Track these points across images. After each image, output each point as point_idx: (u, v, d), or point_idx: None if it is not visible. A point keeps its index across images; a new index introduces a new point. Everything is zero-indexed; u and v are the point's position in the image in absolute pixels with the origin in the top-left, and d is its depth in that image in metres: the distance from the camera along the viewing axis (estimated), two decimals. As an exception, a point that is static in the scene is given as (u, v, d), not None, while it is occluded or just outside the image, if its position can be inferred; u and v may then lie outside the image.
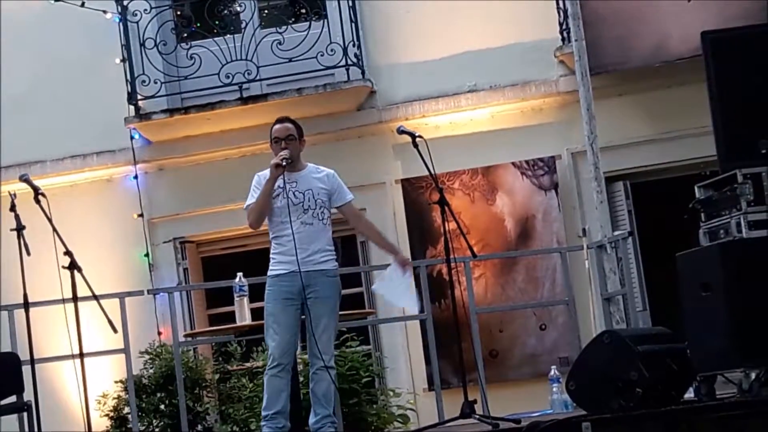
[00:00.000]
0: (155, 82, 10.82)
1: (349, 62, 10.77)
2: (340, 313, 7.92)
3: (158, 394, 9.31)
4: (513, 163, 10.75)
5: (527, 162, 10.74)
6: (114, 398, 9.44)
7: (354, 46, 10.82)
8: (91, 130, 11.19)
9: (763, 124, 7.28)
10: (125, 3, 10.91)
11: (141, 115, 10.93)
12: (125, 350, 8.44)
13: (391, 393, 9.54)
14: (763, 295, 6.87)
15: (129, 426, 9.07)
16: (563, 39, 10.64)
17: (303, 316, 7.21)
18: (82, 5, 10.78)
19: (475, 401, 7.43)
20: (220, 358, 10.05)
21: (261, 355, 9.20)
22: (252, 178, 7.33)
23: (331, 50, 10.68)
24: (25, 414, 7.94)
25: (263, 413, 7.13)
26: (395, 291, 7.59)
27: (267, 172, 7.20)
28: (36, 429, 7.82)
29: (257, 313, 7.45)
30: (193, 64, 10.81)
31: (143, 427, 9.14)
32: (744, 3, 9.97)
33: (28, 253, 7.03)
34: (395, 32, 11.09)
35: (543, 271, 10.59)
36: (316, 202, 7.24)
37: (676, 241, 7.75)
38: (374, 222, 10.63)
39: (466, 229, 9.51)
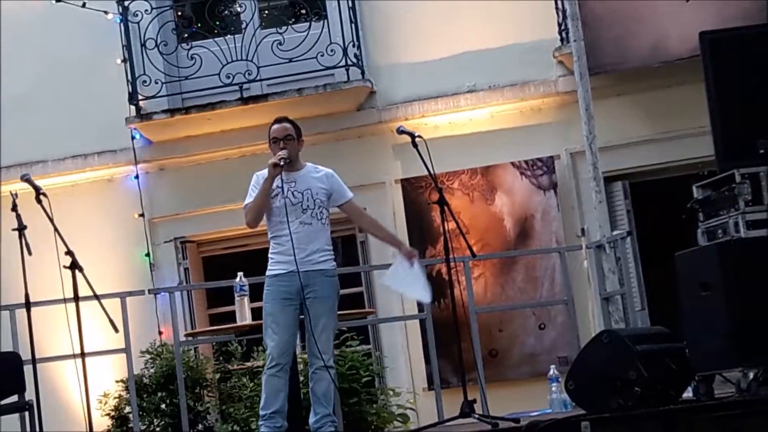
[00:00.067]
0: (156, 83, 10.84)
1: (349, 62, 10.79)
2: (340, 312, 7.94)
3: (159, 394, 9.32)
4: (512, 163, 10.77)
5: (526, 162, 10.75)
6: (115, 398, 9.45)
7: (354, 46, 10.83)
8: (92, 130, 11.21)
9: (761, 124, 7.29)
10: (126, 3, 10.93)
11: (142, 115, 10.95)
12: (126, 350, 8.45)
13: (391, 392, 9.55)
14: (761, 294, 6.88)
15: (130, 425, 9.08)
16: (562, 39, 10.65)
17: (301, 316, 7.23)
18: (83, 5, 10.80)
19: (474, 401, 7.44)
20: (221, 358, 10.06)
21: (261, 355, 9.20)
22: (252, 178, 7.35)
23: (331, 50, 10.69)
24: (26, 413, 7.93)
25: (261, 412, 7.14)
26: (405, 282, 7.59)
27: (265, 172, 7.21)
28: (37, 428, 7.82)
29: (258, 313, 7.46)
30: (193, 64, 10.83)
31: (144, 427, 9.15)
32: (742, 3, 9.98)
33: (30, 253, 7.04)
34: (395, 32, 11.11)
35: (542, 270, 10.61)
36: (315, 202, 7.25)
37: (675, 240, 7.76)
38: (374, 222, 10.73)
39: (466, 229, 9.52)
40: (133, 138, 11.12)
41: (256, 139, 10.29)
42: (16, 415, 8.03)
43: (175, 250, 11.27)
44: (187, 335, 9.27)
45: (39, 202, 7.04)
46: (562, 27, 10.57)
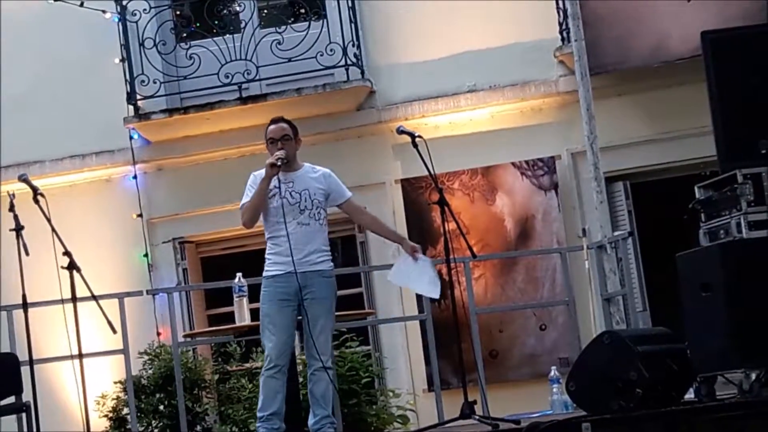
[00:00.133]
0: (154, 82, 10.81)
1: (349, 62, 10.76)
2: (340, 313, 7.93)
3: (157, 395, 9.30)
4: (513, 164, 10.75)
5: (527, 162, 10.73)
6: (113, 399, 9.43)
7: (353, 46, 10.81)
8: (91, 130, 11.18)
9: (763, 124, 7.27)
10: (124, 3, 10.90)
11: (140, 115, 10.93)
12: (124, 351, 8.43)
13: (391, 393, 9.54)
14: (763, 295, 6.86)
15: (128, 427, 9.06)
16: (563, 39, 10.63)
17: (299, 317, 7.21)
18: (81, 5, 10.77)
19: (474, 402, 7.42)
20: (220, 359, 10.04)
21: (260, 356, 9.17)
22: (249, 178, 7.33)
23: (331, 50, 10.67)
24: (24, 415, 7.92)
25: (259, 414, 7.12)
26: (411, 278, 7.57)
27: (263, 172, 7.20)
28: (35, 430, 7.81)
29: (257, 314, 7.44)
30: (192, 63, 10.80)
31: (142, 428, 9.13)
32: (743, 3, 9.96)
33: (27, 254, 7.01)
34: (395, 32, 11.08)
35: (543, 271, 10.59)
36: (313, 203, 7.22)
37: (676, 241, 7.74)
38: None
39: (466, 230, 9.49)
40: (131, 138, 11.09)
41: (255, 139, 10.23)
42: (14, 417, 8.01)
43: (174, 250, 11.25)
44: (185, 336, 9.24)
45: (36, 202, 7.03)
46: (563, 26, 10.55)
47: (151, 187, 11.23)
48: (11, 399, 8.01)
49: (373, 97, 11.06)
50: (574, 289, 9.41)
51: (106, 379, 9.62)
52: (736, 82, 7.46)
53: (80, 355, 6.89)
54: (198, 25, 11.23)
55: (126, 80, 10.85)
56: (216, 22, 11.11)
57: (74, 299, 6.86)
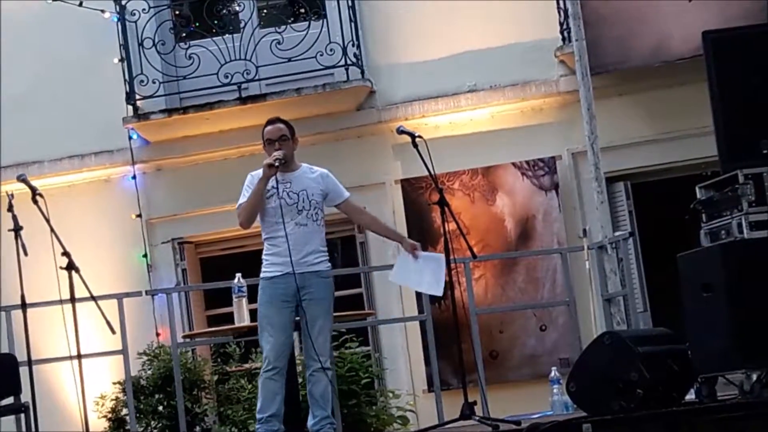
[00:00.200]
0: (154, 82, 10.80)
1: (349, 62, 10.74)
2: (340, 314, 7.92)
3: (156, 396, 9.29)
4: (513, 164, 10.73)
5: (527, 162, 10.71)
6: (112, 399, 9.42)
7: (353, 45, 10.79)
8: (90, 130, 11.17)
9: (764, 124, 7.27)
10: (123, 2, 10.88)
11: (139, 115, 10.91)
12: (123, 351, 8.41)
13: (391, 394, 9.53)
14: (764, 295, 6.86)
15: (127, 427, 9.06)
16: (564, 39, 10.61)
17: (297, 318, 7.19)
18: (80, 5, 10.76)
19: (475, 402, 7.40)
20: (219, 359, 10.03)
21: (259, 357, 9.15)
22: (246, 178, 7.31)
23: (331, 50, 10.65)
24: (22, 415, 7.90)
25: (258, 416, 7.11)
26: (413, 278, 7.56)
27: (260, 172, 7.18)
28: (34, 430, 7.78)
29: (256, 314, 7.41)
30: (191, 63, 10.79)
31: (141, 429, 9.12)
32: (744, 3, 9.96)
33: (26, 254, 7.01)
34: (395, 32, 11.07)
35: (543, 271, 10.57)
36: (311, 203, 7.21)
37: (677, 241, 7.73)
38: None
39: (466, 230, 9.47)
40: (130, 138, 11.08)
41: (255, 139, 10.14)
42: (12, 417, 7.99)
43: (173, 250, 11.23)
44: (184, 337, 9.21)
45: (35, 202, 7.02)
46: (564, 26, 10.53)
47: (150, 188, 11.22)
48: (10, 399, 8.01)
49: (373, 97, 11.05)
50: (574, 289, 9.40)
51: (105, 380, 9.61)
52: (738, 82, 7.45)
53: (79, 356, 6.88)
54: (197, 24, 11.21)
55: (125, 80, 10.83)
56: (215, 22, 11.09)
57: (73, 300, 6.85)
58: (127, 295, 8.71)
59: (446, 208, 7.54)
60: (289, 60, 10.69)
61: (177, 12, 11.43)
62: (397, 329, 10.71)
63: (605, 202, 9.45)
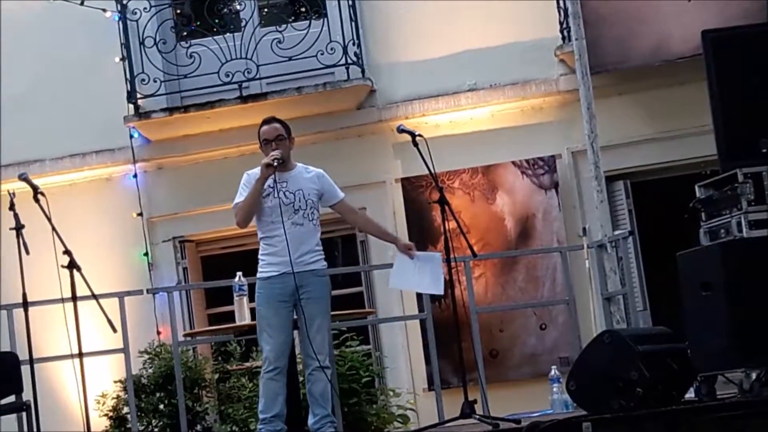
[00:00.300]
0: (155, 81, 10.81)
1: (349, 61, 10.75)
2: (341, 312, 7.94)
3: (157, 394, 9.29)
4: (513, 162, 10.74)
5: (527, 161, 10.72)
6: (113, 398, 9.43)
7: (354, 44, 10.80)
8: (91, 129, 11.18)
9: (763, 124, 7.27)
10: (125, 1, 10.90)
11: (140, 114, 10.92)
12: (124, 350, 8.41)
13: (391, 393, 9.53)
14: (763, 294, 6.86)
15: (128, 426, 9.05)
16: (563, 38, 10.62)
17: (294, 318, 7.20)
18: (82, 4, 10.75)
19: (475, 401, 7.42)
20: (220, 358, 10.04)
21: (260, 355, 9.15)
22: (242, 177, 7.33)
23: (331, 49, 10.66)
24: (24, 414, 7.91)
25: (261, 416, 7.12)
26: (412, 280, 7.57)
27: (257, 171, 7.20)
28: (35, 429, 7.80)
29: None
30: (192, 62, 10.79)
31: (142, 427, 9.12)
32: (744, 3, 9.96)
33: (27, 252, 7.01)
34: (395, 31, 11.07)
35: (543, 270, 10.58)
36: (307, 203, 7.22)
37: (677, 240, 7.74)
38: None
39: (466, 229, 9.49)
40: (131, 137, 11.08)
41: (256, 138, 10.16)
42: (14, 416, 8.00)
43: (174, 249, 11.24)
44: (185, 335, 9.24)
45: (37, 201, 7.02)
46: (564, 25, 10.54)
47: (151, 186, 11.23)
48: (11, 398, 8.00)
49: (373, 96, 11.05)
50: (574, 288, 9.40)
51: (106, 378, 9.62)
52: (737, 82, 7.45)
53: (80, 354, 6.89)
54: (198, 23, 11.23)
55: (126, 79, 10.84)
56: (216, 21, 11.10)
57: (74, 298, 6.86)
58: (129, 293, 8.72)
59: (446, 207, 7.55)
60: (290, 59, 10.70)
61: (178, 11, 11.44)
62: (398, 328, 10.72)
63: (605, 201, 9.46)
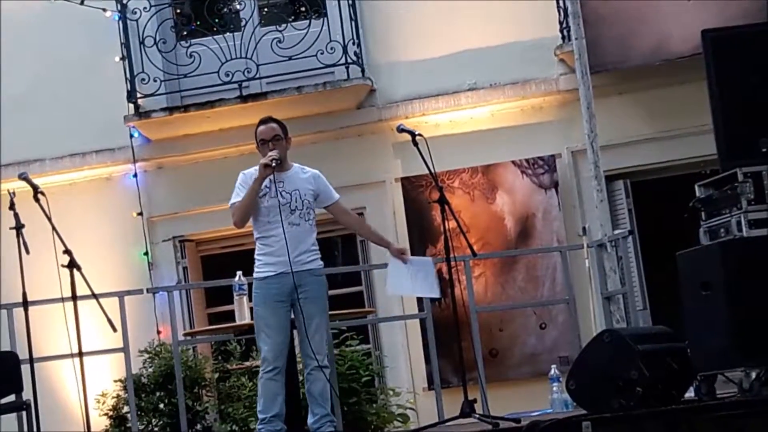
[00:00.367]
0: (155, 81, 10.81)
1: (349, 60, 10.75)
2: (341, 312, 7.93)
3: (157, 393, 9.28)
4: (513, 162, 10.74)
5: (527, 160, 10.72)
6: (113, 397, 9.42)
7: (354, 44, 10.80)
8: (91, 129, 11.18)
9: (763, 123, 7.28)
10: (125, 1, 10.90)
11: (140, 114, 10.92)
12: (124, 349, 8.41)
13: (391, 392, 9.53)
14: (763, 294, 6.86)
15: (128, 425, 9.05)
16: (563, 37, 10.62)
17: (292, 317, 7.21)
18: (82, 3, 10.76)
19: (475, 400, 7.42)
20: (220, 357, 10.03)
21: (260, 355, 9.17)
22: (238, 177, 7.33)
23: (331, 48, 10.66)
24: (24, 413, 7.91)
25: (260, 416, 7.12)
26: (406, 284, 7.58)
27: (253, 171, 7.21)
28: (35, 428, 7.80)
29: (255, 314, 7.43)
30: (192, 62, 10.80)
31: (142, 427, 9.12)
32: (744, 3, 9.96)
33: (27, 252, 7.01)
34: (395, 30, 11.07)
35: (543, 269, 10.58)
36: (303, 203, 7.23)
37: (677, 240, 7.74)
38: (374, 220, 10.73)
39: (466, 228, 9.49)
40: (131, 136, 11.09)
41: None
42: (14, 415, 8.00)
43: (174, 248, 11.24)
44: (185, 334, 9.24)
45: (37, 200, 7.03)
46: (564, 25, 10.54)
47: (151, 186, 11.23)
48: (11, 397, 8.00)
49: (373, 96, 11.06)
50: (574, 287, 9.40)
51: (106, 378, 9.62)
52: (737, 81, 7.46)
53: (80, 354, 6.89)
54: (198, 23, 11.23)
55: (126, 78, 10.84)
56: (216, 21, 11.11)
57: (74, 297, 6.86)
58: (129, 293, 8.72)
59: (446, 207, 7.55)
60: (290, 58, 10.70)
61: (178, 10, 11.44)
62: (398, 327, 10.72)
63: (605, 200, 9.46)
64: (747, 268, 6.94)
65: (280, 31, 10.74)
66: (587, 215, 10.49)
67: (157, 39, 10.85)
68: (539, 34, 10.76)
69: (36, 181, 7.29)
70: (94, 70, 11.18)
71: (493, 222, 10.69)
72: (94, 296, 6.94)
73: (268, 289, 7.16)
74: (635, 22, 10.27)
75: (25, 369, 7.63)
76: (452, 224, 7.53)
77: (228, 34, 11.09)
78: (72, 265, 6.91)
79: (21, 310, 7.27)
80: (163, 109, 10.91)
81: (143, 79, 10.81)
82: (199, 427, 9.35)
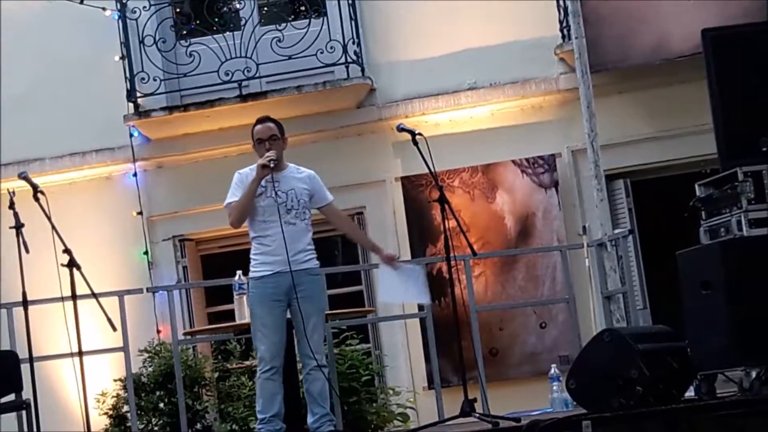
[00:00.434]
0: (154, 80, 10.81)
1: (349, 60, 10.75)
2: (341, 311, 7.93)
3: (157, 393, 9.28)
4: (513, 161, 10.74)
5: (527, 160, 10.72)
6: (113, 397, 9.41)
7: (354, 43, 10.80)
8: (91, 128, 11.18)
9: (763, 122, 7.27)
10: (124, 0, 10.89)
11: (140, 113, 10.92)
12: (124, 348, 8.41)
13: (391, 391, 9.53)
14: (763, 293, 6.86)
15: (128, 424, 9.04)
16: (563, 36, 10.62)
17: (288, 317, 7.21)
18: (81, 2, 10.76)
19: (475, 400, 7.41)
20: (220, 357, 10.03)
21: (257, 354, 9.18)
22: (234, 176, 7.33)
23: (331, 48, 10.66)
24: (24, 412, 7.90)
25: (259, 416, 7.12)
26: (398, 291, 7.60)
27: (248, 171, 7.22)
28: (35, 427, 7.80)
29: (256, 312, 7.42)
30: (192, 61, 10.80)
31: (142, 426, 9.11)
32: (744, 2, 9.96)
33: (27, 251, 7.01)
34: (395, 30, 11.07)
35: (543, 269, 10.58)
36: (299, 203, 7.24)
37: (677, 239, 7.74)
38: (374, 220, 10.74)
39: (466, 227, 9.49)
40: (131, 135, 11.09)
41: (256, 136, 10.25)
42: (14, 414, 8.00)
43: (174, 248, 11.24)
44: (185, 334, 9.23)
45: (36, 199, 7.03)
46: (564, 24, 10.54)
47: (151, 185, 11.23)
48: (11, 397, 8.00)
49: (373, 95, 11.05)
50: (574, 286, 9.40)
51: (106, 377, 9.61)
52: (737, 80, 7.46)
53: (80, 353, 6.89)
54: (198, 22, 11.23)
55: (126, 78, 10.84)
56: (216, 20, 11.11)
57: (74, 297, 6.86)
58: (128, 292, 8.71)
59: (446, 206, 7.54)
60: (290, 58, 10.70)
61: (178, 10, 11.43)
62: (398, 326, 10.72)
63: (605, 199, 9.45)
64: (747, 268, 6.94)
65: (280, 31, 10.74)
66: (587, 214, 10.49)
67: (157, 38, 10.85)
68: (539, 33, 10.76)
69: (36, 180, 7.30)
70: (93, 70, 11.18)
71: (493, 221, 10.69)
72: (94, 295, 6.94)
73: (264, 288, 7.16)
74: (635, 21, 10.26)
75: (24, 368, 7.62)
76: (452, 223, 7.53)
77: (228, 33, 11.08)
78: (72, 264, 6.91)
79: (21, 309, 7.27)
80: (162, 109, 10.91)
81: (143, 79, 10.81)
82: (198, 426, 9.35)
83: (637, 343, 7.08)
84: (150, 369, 9.43)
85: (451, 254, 7.52)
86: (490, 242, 10.58)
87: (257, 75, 10.81)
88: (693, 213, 7.50)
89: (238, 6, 11.22)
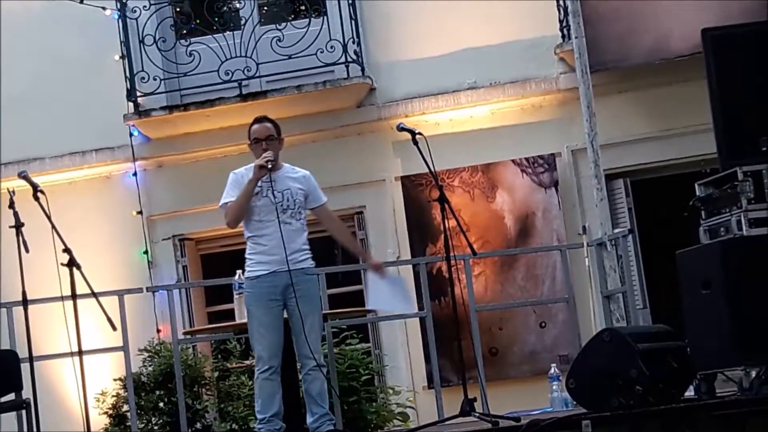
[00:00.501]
0: (154, 79, 10.81)
1: (349, 59, 10.75)
2: (341, 310, 7.93)
3: (157, 392, 9.28)
4: (513, 161, 10.74)
5: (527, 159, 10.72)
6: (113, 396, 9.41)
7: (354, 43, 10.80)
8: (91, 127, 11.17)
9: (763, 122, 7.28)
10: (124, 0, 10.89)
11: (140, 112, 10.92)
12: (124, 348, 8.41)
13: (391, 391, 9.53)
14: (763, 293, 6.87)
15: (128, 424, 9.04)
16: (563, 36, 10.62)
17: (285, 317, 7.21)
18: (81, 2, 10.76)
19: (474, 399, 7.41)
20: (220, 356, 10.03)
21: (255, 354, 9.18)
22: (229, 176, 7.34)
23: (331, 47, 10.66)
24: (23, 412, 7.90)
25: (259, 416, 7.12)
26: (386, 299, 7.64)
27: (244, 171, 7.24)
28: (35, 427, 7.79)
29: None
30: (192, 60, 10.80)
31: (142, 425, 9.11)
32: (744, 2, 9.96)
33: (27, 251, 7.01)
34: (395, 29, 11.07)
35: (543, 268, 10.58)
36: (295, 203, 7.24)
37: (677, 238, 7.74)
38: (374, 219, 10.75)
39: (466, 227, 9.49)
40: (131, 135, 11.09)
41: (256, 136, 10.25)
42: (14, 414, 8.00)
43: (174, 247, 11.24)
44: (185, 333, 9.23)
45: (36, 199, 7.02)
46: (564, 24, 10.54)
47: (151, 184, 11.23)
48: (11, 396, 7.99)
49: (373, 94, 11.05)
50: (574, 286, 9.39)
51: (105, 377, 9.60)
52: (737, 80, 7.46)
53: (80, 352, 6.88)
54: (198, 22, 11.23)
55: (126, 77, 10.85)
56: (216, 19, 11.10)
57: (74, 296, 6.86)
58: (128, 291, 8.71)
59: (446, 205, 7.54)
60: (290, 57, 10.70)
61: (178, 9, 11.44)
62: (398, 326, 10.72)
63: (605, 199, 9.45)
64: (747, 267, 6.94)
65: (280, 30, 10.74)
66: (587, 214, 10.49)
67: (157, 38, 10.85)
68: (539, 32, 10.76)
69: (36, 179, 7.29)
70: (93, 69, 11.18)
71: (493, 221, 10.69)
72: (94, 295, 6.93)
73: (260, 288, 7.16)
74: (635, 20, 10.26)
75: (24, 368, 7.62)
76: (452, 223, 7.53)
77: (228, 32, 11.09)
78: (72, 263, 6.90)
79: (21, 308, 7.26)
80: (162, 108, 10.91)
81: (143, 78, 10.81)
82: (198, 425, 9.35)
83: (636, 342, 7.08)
84: (150, 368, 9.43)
85: (451, 254, 7.52)
86: (490, 242, 10.58)
87: (257, 74, 10.81)
88: (693, 212, 7.50)
89: (238, 5, 11.22)
